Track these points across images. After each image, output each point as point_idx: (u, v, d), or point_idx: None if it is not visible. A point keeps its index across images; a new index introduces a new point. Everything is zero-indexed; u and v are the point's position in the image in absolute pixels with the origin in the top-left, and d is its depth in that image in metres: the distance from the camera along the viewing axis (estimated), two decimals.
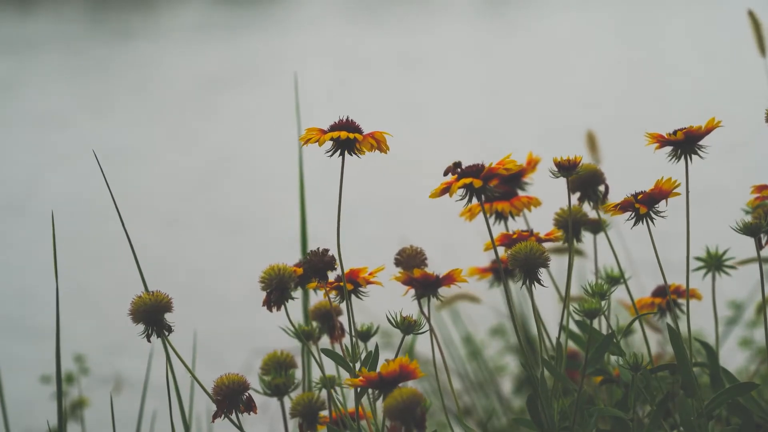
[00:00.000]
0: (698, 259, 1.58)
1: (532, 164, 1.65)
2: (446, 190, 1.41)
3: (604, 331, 1.56)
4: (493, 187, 1.42)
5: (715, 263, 1.58)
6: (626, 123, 6.24)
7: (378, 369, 1.30)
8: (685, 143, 1.43)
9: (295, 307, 1.49)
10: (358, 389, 1.37)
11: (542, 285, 1.40)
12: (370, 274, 1.44)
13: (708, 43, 9.04)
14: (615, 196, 1.49)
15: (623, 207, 1.43)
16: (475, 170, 1.40)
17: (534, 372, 1.43)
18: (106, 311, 4.32)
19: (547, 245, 1.48)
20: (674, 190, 1.42)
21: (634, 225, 1.43)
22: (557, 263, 1.72)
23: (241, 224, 5.51)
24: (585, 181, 1.55)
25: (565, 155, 1.43)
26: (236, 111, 8.01)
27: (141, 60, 10.40)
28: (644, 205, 1.42)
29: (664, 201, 1.42)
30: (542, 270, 1.39)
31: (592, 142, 2.44)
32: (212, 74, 9.39)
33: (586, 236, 1.64)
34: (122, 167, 6.43)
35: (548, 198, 1.63)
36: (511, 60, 9.32)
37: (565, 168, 1.44)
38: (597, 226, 1.62)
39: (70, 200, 5.85)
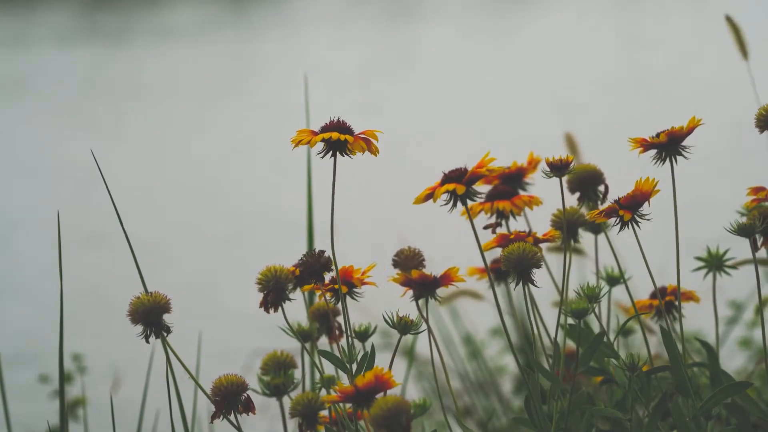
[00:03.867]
0: (699, 259, 1.58)
1: (533, 164, 1.64)
2: (430, 196, 1.40)
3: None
4: (478, 189, 1.42)
5: (715, 263, 1.58)
6: (616, 125, 6.24)
7: (370, 372, 1.29)
8: (668, 145, 1.42)
9: (298, 307, 1.49)
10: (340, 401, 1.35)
11: (536, 285, 1.40)
12: (363, 273, 1.44)
13: (696, 45, 9.03)
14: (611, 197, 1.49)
15: (607, 213, 1.42)
16: (458, 175, 1.40)
17: (529, 371, 1.44)
18: (107, 311, 4.32)
19: (548, 244, 1.48)
20: (655, 189, 1.41)
21: (620, 231, 1.43)
22: (557, 262, 1.72)
23: (241, 224, 5.51)
24: (584, 181, 1.55)
25: (557, 156, 1.43)
26: (234, 113, 8.01)
27: (137, 61, 10.40)
28: (628, 211, 1.41)
29: (646, 202, 1.42)
30: (536, 270, 1.39)
31: (571, 145, 2.43)
32: (206, 75, 9.39)
33: (587, 236, 1.63)
34: (119, 168, 6.43)
35: (552, 198, 1.63)
36: (506, 60, 9.31)
37: (557, 167, 1.43)
38: (597, 227, 1.62)
39: (71, 201, 5.85)
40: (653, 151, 1.44)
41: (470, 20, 11.96)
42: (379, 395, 1.26)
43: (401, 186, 5.55)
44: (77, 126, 7.79)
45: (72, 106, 8.51)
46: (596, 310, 1.46)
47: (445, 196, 1.41)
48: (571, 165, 1.43)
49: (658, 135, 1.42)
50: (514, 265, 1.38)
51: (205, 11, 13.67)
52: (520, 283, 1.39)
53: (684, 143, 1.43)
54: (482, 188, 1.59)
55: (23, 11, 14.30)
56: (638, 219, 1.42)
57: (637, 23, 10.55)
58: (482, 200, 1.57)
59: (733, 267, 1.59)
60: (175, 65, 10.08)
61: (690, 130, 1.42)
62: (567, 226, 1.53)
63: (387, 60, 9.56)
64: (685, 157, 1.43)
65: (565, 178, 1.46)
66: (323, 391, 1.47)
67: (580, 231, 1.60)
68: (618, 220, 1.42)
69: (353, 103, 7.57)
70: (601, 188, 1.57)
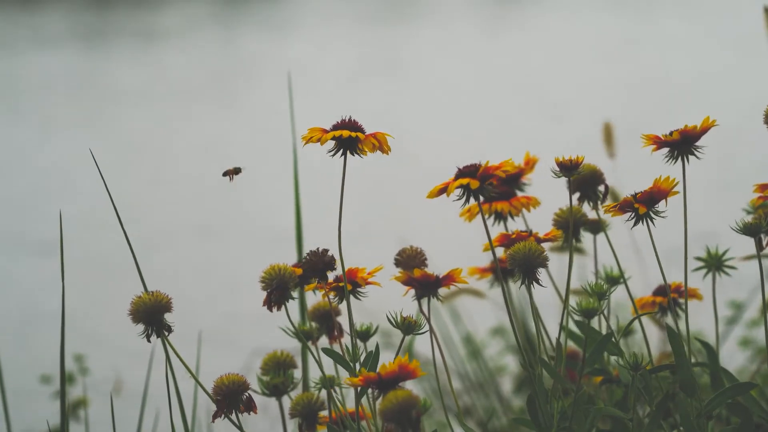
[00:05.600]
0: (698, 259, 1.59)
1: (531, 164, 1.64)
2: (443, 190, 1.41)
3: (605, 331, 1.55)
4: (491, 186, 1.42)
5: (715, 263, 1.58)
6: (628, 123, 6.23)
7: (378, 369, 1.29)
8: (681, 144, 1.43)
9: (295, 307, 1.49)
10: (359, 389, 1.37)
11: (541, 285, 1.40)
12: (369, 273, 1.44)
13: (717, 39, 9.03)
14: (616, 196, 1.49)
15: (622, 207, 1.43)
16: (472, 170, 1.40)
17: (533, 371, 1.44)
18: (107, 311, 4.32)
19: (547, 244, 1.48)
20: (673, 189, 1.42)
21: (634, 225, 1.43)
22: (557, 262, 1.72)
23: (240, 225, 5.51)
24: (584, 181, 1.55)
25: (566, 155, 1.43)
26: (228, 112, 8.01)
27: (125, 62, 10.40)
28: (643, 205, 1.42)
29: (663, 200, 1.42)
30: (541, 270, 1.39)
31: (608, 134, 2.42)
32: (195, 77, 9.39)
33: (587, 236, 1.64)
34: (126, 166, 6.43)
35: (547, 198, 1.63)
36: (508, 61, 9.31)
37: (567, 168, 1.43)
38: (597, 227, 1.62)
39: (71, 201, 5.85)
40: (666, 150, 1.44)
41: (466, 20, 11.96)
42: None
43: (401, 187, 5.55)
44: (64, 127, 7.79)
45: (60, 108, 8.50)
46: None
47: (458, 191, 1.41)
48: (581, 165, 1.44)
49: (671, 133, 1.42)
50: (519, 263, 1.38)
51: (193, 12, 13.65)
52: (525, 282, 1.39)
53: (697, 143, 1.43)
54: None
55: (11, 12, 14.28)
56: (653, 215, 1.42)
57: (648, 21, 10.56)
58: (481, 201, 1.57)
59: (733, 267, 1.59)
60: (163, 66, 10.07)
61: (704, 130, 1.42)
62: (568, 226, 1.53)
63: (382, 60, 9.56)
64: (697, 157, 1.43)
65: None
66: (339, 383, 1.47)
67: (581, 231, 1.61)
68: (633, 214, 1.42)
69: (350, 104, 7.57)
70: (601, 188, 1.57)
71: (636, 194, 1.42)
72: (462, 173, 1.41)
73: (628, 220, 1.43)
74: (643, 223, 1.42)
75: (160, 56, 10.63)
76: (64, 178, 6.46)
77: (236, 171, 1.51)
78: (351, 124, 1.40)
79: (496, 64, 9.24)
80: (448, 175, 1.43)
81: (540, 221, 1.60)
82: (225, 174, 1.51)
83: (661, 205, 1.43)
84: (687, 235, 1.45)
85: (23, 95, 9.13)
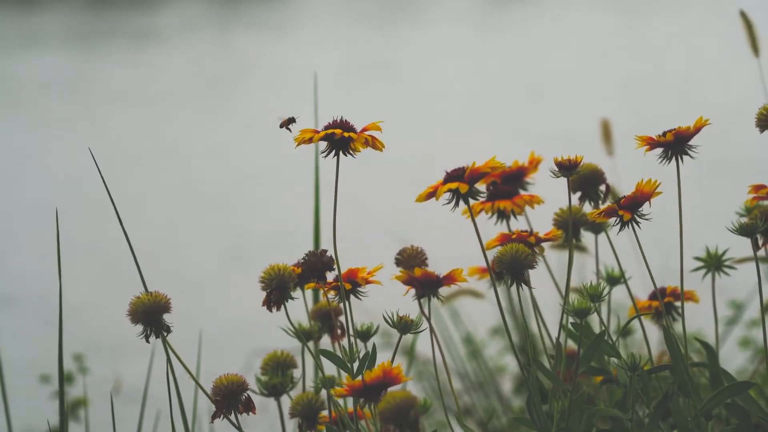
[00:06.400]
0: (698, 259, 1.59)
1: (534, 164, 1.64)
2: (432, 194, 1.41)
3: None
4: (480, 188, 1.42)
5: (714, 263, 1.58)
6: (628, 122, 6.23)
7: (378, 366, 1.29)
8: (675, 144, 1.43)
9: (298, 306, 1.49)
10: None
11: (529, 286, 1.40)
12: (369, 273, 1.44)
13: (702, 42, 9.04)
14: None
15: (607, 213, 1.43)
16: (460, 173, 1.40)
17: (531, 371, 1.44)
18: (107, 311, 4.32)
19: (548, 243, 1.48)
20: (656, 191, 1.42)
21: (620, 231, 1.43)
22: (558, 260, 1.72)
23: (239, 224, 5.52)
24: (586, 180, 1.55)
25: (566, 155, 1.43)
26: (234, 112, 8.01)
27: (134, 60, 10.39)
28: (627, 211, 1.42)
29: (647, 203, 1.42)
30: (531, 270, 1.40)
31: (606, 132, 2.42)
32: (203, 75, 9.39)
33: (588, 235, 1.64)
34: (123, 169, 6.43)
35: (552, 198, 1.63)
36: (507, 60, 9.32)
37: (566, 167, 1.43)
38: (598, 226, 1.62)
39: (71, 199, 5.85)
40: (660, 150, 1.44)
41: (466, 20, 11.96)
42: (389, 390, 1.27)
43: (402, 187, 5.55)
44: (60, 128, 7.79)
45: (56, 109, 8.50)
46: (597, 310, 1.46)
47: (447, 195, 1.41)
48: (580, 165, 1.43)
49: (664, 134, 1.43)
50: (507, 266, 1.39)
51: (190, 13, 13.65)
52: (513, 284, 1.39)
53: (691, 143, 1.43)
54: (483, 188, 1.59)
55: (7, 13, 14.27)
56: (638, 219, 1.42)
57: (642, 22, 10.56)
58: (483, 200, 1.57)
59: (732, 267, 1.59)
60: (160, 67, 10.07)
61: (697, 130, 1.42)
62: (569, 226, 1.53)
63: (382, 61, 9.56)
64: (691, 157, 1.44)
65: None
66: (339, 383, 1.47)
67: (581, 230, 1.61)
68: (618, 220, 1.42)
69: (350, 104, 7.57)
70: (602, 188, 1.57)
71: (620, 200, 1.42)
72: (450, 177, 1.41)
73: (614, 225, 1.43)
74: (629, 227, 1.42)
75: (157, 57, 10.63)
76: (61, 178, 6.46)
77: (291, 120, 1.50)
78: (343, 125, 1.40)
79: (494, 63, 9.24)
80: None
81: (547, 220, 1.60)
82: (281, 126, 1.51)
83: (646, 208, 1.43)
84: (682, 236, 1.45)
85: (19, 95, 9.13)
